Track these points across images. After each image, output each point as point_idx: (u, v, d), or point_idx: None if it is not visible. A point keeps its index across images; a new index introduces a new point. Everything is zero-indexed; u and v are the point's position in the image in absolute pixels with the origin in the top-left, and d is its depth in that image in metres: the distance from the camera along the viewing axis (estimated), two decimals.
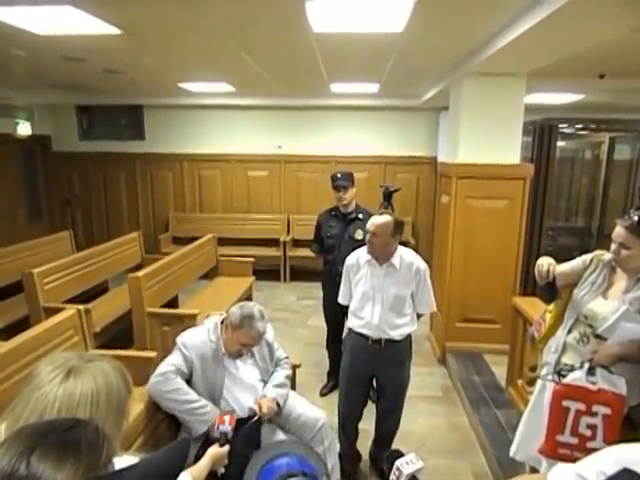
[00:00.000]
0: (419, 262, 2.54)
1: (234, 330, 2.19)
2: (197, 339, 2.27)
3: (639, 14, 2.10)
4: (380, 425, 2.75)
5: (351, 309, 2.61)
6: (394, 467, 1.43)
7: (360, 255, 2.58)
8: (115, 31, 2.94)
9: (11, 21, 2.73)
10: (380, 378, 2.61)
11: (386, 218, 2.44)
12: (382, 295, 2.47)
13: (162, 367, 2.21)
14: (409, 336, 2.57)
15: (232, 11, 2.62)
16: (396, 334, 2.49)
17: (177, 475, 0.97)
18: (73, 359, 1.06)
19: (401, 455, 1.46)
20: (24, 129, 6.50)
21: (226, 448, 1.70)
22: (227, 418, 1.76)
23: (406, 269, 2.49)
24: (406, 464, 1.41)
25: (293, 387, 2.64)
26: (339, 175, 3.49)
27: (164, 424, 2.30)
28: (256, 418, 2.15)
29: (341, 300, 2.73)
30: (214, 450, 1.70)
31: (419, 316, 2.62)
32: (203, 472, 1.67)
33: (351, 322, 2.60)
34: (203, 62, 4.17)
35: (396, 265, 2.47)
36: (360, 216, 3.42)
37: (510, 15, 2.58)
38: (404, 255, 2.51)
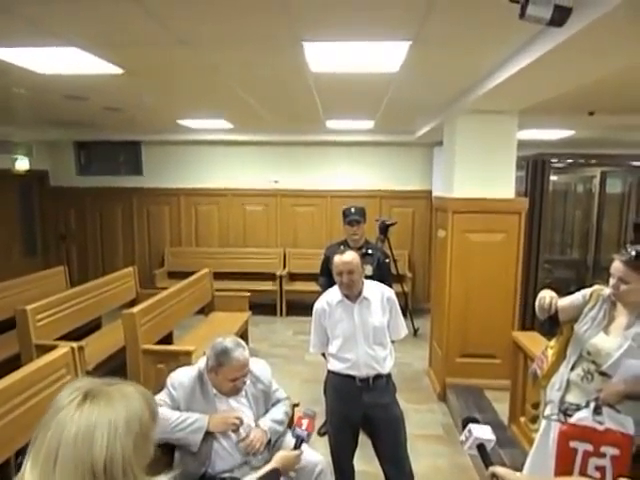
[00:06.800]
0: (385, 290, 2.60)
1: (217, 371, 2.15)
2: (186, 378, 2.23)
3: (625, 57, 2.18)
4: (390, 472, 2.54)
5: (331, 352, 2.54)
6: (466, 429, 1.44)
7: (329, 298, 2.56)
8: (117, 71, 3.01)
9: (16, 62, 2.80)
10: (373, 417, 2.49)
11: (353, 253, 2.50)
12: (364, 331, 2.46)
13: None
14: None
15: (231, 52, 2.69)
16: (383, 367, 2.48)
17: None
18: (94, 382, 1.02)
19: (476, 421, 1.45)
20: (22, 164, 6.53)
21: (298, 452, 1.61)
22: (305, 422, 1.67)
23: (377, 299, 2.52)
24: (478, 430, 1.40)
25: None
26: (353, 210, 3.48)
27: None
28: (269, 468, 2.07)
29: (314, 350, 2.68)
30: (284, 453, 1.61)
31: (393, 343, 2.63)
32: None
33: (334, 366, 2.53)
34: (202, 100, 4.26)
35: (369, 297, 2.49)
36: (370, 251, 3.41)
37: (503, 56, 2.67)
38: (370, 286, 2.55)
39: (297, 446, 1.63)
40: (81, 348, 3.07)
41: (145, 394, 1.05)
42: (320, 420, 3.61)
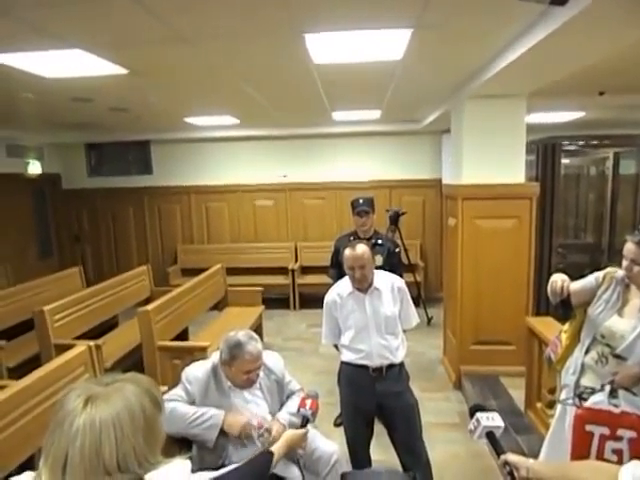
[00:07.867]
0: (396, 279, 2.60)
1: (230, 365, 2.17)
2: (200, 372, 2.25)
3: (631, 35, 2.13)
4: (406, 461, 2.54)
5: (344, 344, 2.55)
6: (474, 418, 1.43)
7: (340, 290, 2.57)
8: (122, 71, 3.03)
9: (22, 66, 2.83)
10: (387, 406, 2.50)
11: (364, 246, 2.48)
12: (376, 321, 2.46)
13: None
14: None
15: (233, 48, 2.69)
16: (396, 357, 2.49)
17: None
18: (92, 386, 1.04)
19: (483, 409, 1.44)
20: (34, 168, 6.64)
21: (304, 430, 1.65)
22: (309, 402, 1.73)
23: (388, 289, 2.53)
24: (486, 418, 1.40)
25: None
26: (361, 201, 3.49)
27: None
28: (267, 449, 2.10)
29: (326, 341, 2.69)
30: (292, 432, 1.65)
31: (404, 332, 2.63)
32: (278, 456, 1.67)
33: (347, 356, 2.55)
34: (207, 97, 4.27)
35: (380, 287, 2.50)
36: (380, 242, 3.42)
37: (507, 39, 2.63)
38: (380, 276, 2.55)
39: (303, 425, 1.68)
40: (98, 346, 3.13)
41: (144, 385, 1.06)
42: (335, 411, 3.65)
